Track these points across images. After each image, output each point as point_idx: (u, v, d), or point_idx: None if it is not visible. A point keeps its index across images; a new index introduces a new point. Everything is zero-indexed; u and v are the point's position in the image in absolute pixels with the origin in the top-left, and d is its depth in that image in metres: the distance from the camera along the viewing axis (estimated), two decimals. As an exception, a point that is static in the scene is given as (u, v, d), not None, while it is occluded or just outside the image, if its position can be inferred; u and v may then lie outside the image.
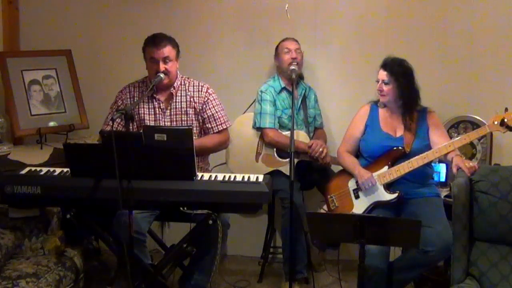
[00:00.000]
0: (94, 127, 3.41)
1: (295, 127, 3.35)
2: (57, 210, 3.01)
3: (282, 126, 3.43)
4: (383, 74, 2.94)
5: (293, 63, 3.35)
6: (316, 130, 3.58)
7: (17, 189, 2.47)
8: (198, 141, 2.93)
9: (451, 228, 2.55)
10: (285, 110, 3.43)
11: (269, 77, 3.55)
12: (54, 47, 3.61)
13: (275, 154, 3.42)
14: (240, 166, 3.41)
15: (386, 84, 2.94)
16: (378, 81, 2.98)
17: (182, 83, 3.06)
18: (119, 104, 3.04)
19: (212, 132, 3.07)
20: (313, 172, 3.44)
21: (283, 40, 3.46)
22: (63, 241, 2.97)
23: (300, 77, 3.54)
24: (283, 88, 3.44)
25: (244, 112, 3.59)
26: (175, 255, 2.78)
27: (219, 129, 3.07)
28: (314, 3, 3.65)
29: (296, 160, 3.27)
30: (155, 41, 2.92)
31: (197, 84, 3.08)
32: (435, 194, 2.96)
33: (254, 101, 3.50)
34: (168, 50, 2.92)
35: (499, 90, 3.50)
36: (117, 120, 2.86)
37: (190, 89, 3.05)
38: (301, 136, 3.39)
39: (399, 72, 2.92)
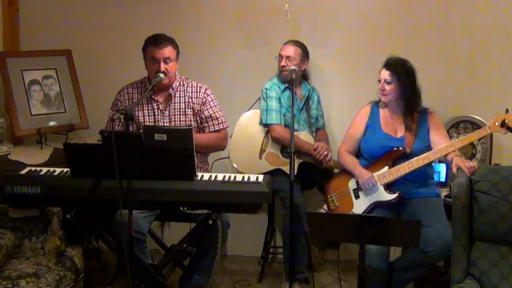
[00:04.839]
0: (94, 127, 3.40)
1: (298, 128, 3.37)
2: (57, 210, 3.01)
3: (285, 125, 3.42)
4: (385, 74, 2.94)
5: (284, 71, 3.35)
6: (318, 130, 3.58)
7: (17, 189, 2.46)
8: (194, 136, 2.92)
9: (451, 228, 2.56)
10: (289, 109, 3.42)
11: (268, 77, 3.54)
12: (54, 47, 3.61)
13: (280, 154, 3.41)
14: (243, 161, 3.40)
15: (388, 83, 2.94)
16: (380, 81, 2.97)
17: (181, 83, 3.06)
18: (118, 105, 3.04)
19: (209, 131, 3.06)
20: (314, 172, 3.44)
21: (284, 43, 3.43)
22: (63, 241, 2.97)
23: (304, 78, 3.54)
24: (287, 87, 3.44)
25: (248, 110, 3.58)
26: (175, 255, 2.78)
27: (216, 128, 3.06)
28: (314, 3, 3.64)
29: (298, 161, 3.28)
30: (156, 41, 2.93)
31: (195, 85, 3.08)
32: (435, 194, 2.96)
33: (258, 100, 3.50)
34: (169, 51, 2.93)
35: (499, 90, 3.50)
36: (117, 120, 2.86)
37: (188, 90, 3.05)
38: (304, 137, 3.38)
39: (402, 72, 2.92)
